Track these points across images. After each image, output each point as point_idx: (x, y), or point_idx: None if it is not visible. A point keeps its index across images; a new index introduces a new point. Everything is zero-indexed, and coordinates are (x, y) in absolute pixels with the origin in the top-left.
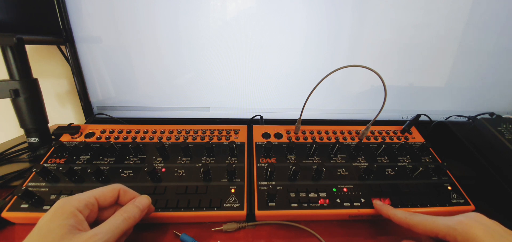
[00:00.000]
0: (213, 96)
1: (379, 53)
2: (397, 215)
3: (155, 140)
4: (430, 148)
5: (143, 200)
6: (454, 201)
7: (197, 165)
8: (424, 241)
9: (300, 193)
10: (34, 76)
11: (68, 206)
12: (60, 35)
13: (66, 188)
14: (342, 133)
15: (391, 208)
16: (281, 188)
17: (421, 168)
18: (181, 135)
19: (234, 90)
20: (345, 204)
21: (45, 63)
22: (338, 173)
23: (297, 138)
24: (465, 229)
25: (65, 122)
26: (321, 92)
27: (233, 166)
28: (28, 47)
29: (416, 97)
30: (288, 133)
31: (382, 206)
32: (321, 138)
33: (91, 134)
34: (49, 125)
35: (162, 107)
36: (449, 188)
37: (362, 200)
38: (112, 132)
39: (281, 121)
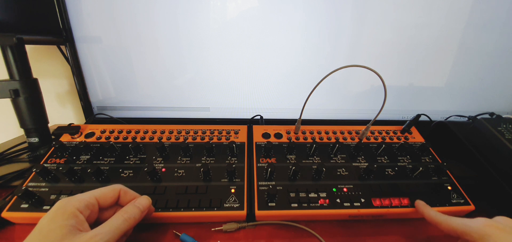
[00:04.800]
0: (213, 96)
1: (379, 53)
2: (430, 216)
3: (155, 140)
4: (430, 148)
5: (144, 201)
6: (454, 201)
7: (197, 165)
8: None
9: (300, 193)
10: (34, 76)
11: (69, 206)
12: (60, 35)
13: (66, 188)
14: (342, 133)
15: (428, 208)
16: (281, 188)
17: (421, 168)
18: (181, 135)
19: (234, 90)
20: (345, 204)
21: (45, 63)
22: (338, 173)
23: (297, 138)
24: (480, 226)
25: (65, 122)
26: (321, 92)
27: (233, 166)
28: (28, 47)
29: (416, 97)
30: (288, 133)
31: (423, 205)
32: (321, 138)
33: (91, 134)
34: (49, 125)
35: (162, 107)
36: (449, 188)
37: (362, 200)
38: (112, 132)
39: (281, 121)
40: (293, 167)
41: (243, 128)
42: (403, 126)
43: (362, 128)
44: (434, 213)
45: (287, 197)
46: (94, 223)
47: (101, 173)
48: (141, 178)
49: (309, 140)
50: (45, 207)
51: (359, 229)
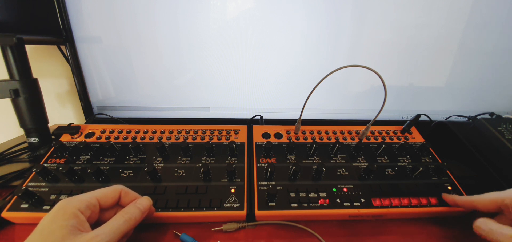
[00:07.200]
0: (213, 96)
1: (379, 53)
2: (462, 199)
3: (155, 140)
4: (430, 148)
5: (144, 202)
6: None
7: (197, 165)
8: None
9: (300, 193)
10: (34, 76)
11: (70, 207)
12: (60, 35)
13: (66, 188)
14: (342, 133)
15: (456, 196)
16: (281, 188)
17: (421, 168)
18: (181, 135)
19: (234, 90)
20: (345, 204)
21: (45, 63)
22: (338, 173)
23: (297, 138)
24: None
25: (65, 122)
26: (321, 92)
27: (233, 166)
28: (28, 47)
29: (416, 97)
30: (288, 133)
31: (452, 196)
32: (321, 138)
33: (91, 134)
34: (49, 125)
35: (162, 107)
36: (449, 188)
37: (362, 200)
38: (112, 132)
39: (281, 121)
40: (293, 167)
41: (243, 128)
42: (403, 126)
43: (362, 128)
44: (466, 197)
45: (287, 197)
46: (95, 224)
47: (101, 173)
48: (141, 178)
49: (309, 140)
50: (45, 207)
51: (359, 229)
